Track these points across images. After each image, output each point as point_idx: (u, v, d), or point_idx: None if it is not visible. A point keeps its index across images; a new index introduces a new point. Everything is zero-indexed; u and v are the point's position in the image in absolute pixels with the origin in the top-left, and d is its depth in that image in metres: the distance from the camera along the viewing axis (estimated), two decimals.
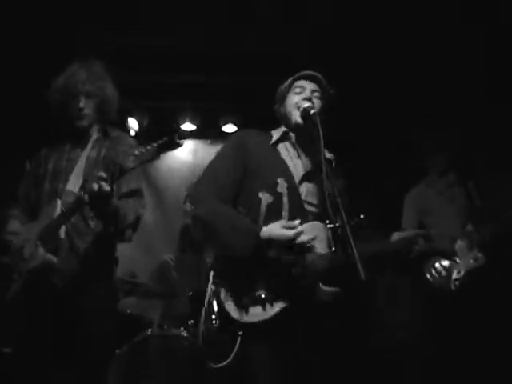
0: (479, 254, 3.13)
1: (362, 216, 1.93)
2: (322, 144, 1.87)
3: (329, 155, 2.11)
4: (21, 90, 3.89)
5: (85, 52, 2.43)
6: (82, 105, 2.29)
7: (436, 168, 3.58)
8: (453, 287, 3.11)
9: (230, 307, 1.83)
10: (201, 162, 5.25)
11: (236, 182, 1.99)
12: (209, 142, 5.37)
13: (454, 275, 3.13)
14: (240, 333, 1.79)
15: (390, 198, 3.76)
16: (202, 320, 1.93)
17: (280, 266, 1.82)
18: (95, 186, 1.91)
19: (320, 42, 3.93)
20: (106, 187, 1.91)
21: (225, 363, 1.78)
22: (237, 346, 1.77)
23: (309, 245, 1.82)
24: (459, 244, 3.20)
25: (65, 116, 2.34)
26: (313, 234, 1.88)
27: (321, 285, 1.85)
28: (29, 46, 3.72)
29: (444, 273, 3.17)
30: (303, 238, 1.81)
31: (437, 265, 3.21)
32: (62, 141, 2.38)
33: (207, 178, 2.00)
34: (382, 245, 1.99)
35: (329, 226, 1.80)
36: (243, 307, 1.82)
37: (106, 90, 2.37)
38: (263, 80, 3.91)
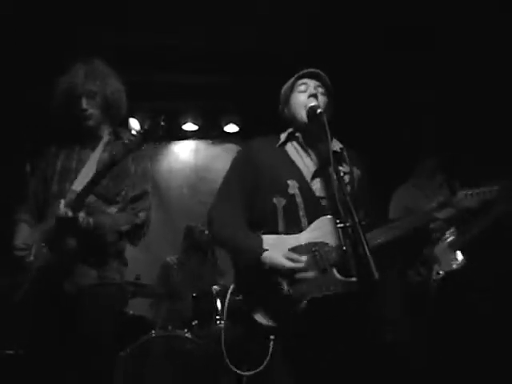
0: (460, 256, 3.13)
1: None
2: (329, 143, 1.87)
3: (338, 146, 2.10)
4: (21, 90, 3.89)
5: (85, 52, 2.42)
6: (84, 105, 2.26)
7: (425, 169, 3.60)
8: (432, 288, 3.11)
9: (256, 313, 1.84)
10: (202, 162, 5.28)
11: (250, 195, 2.04)
12: (210, 142, 5.38)
13: (433, 276, 3.13)
14: (272, 337, 1.80)
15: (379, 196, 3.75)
16: (224, 326, 1.96)
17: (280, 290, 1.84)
18: (61, 212, 2.02)
19: (320, 41, 3.93)
20: (64, 212, 2.02)
21: (257, 371, 1.78)
22: (270, 353, 1.77)
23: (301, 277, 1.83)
24: (440, 245, 3.19)
25: (70, 118, 2.32)
26: (322, 230, 1.90)
27: (337, 275, 1.85)
28: (29, 45, 3.71)
29: (424, 272, 3.17)
30: (302, 275, 1.83)
31: (418, 265, 3.21)
32: (72, 140, 2.36)
33: (222, 199, 2.08)
34: (400, 225, 1.98)
35: (339, 225, 1.79)
36: (267, 312, 1.83)
37: (108, 87, 2.33)
38: (265, 80, 3.92)
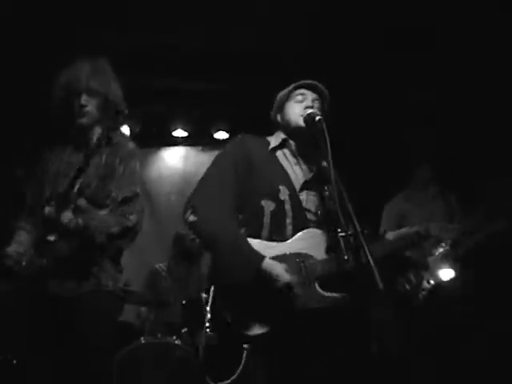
0: (450, 269, 3.13)
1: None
2: (329, 150, 1.84)
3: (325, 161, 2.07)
4: (21, 90, 3.89)
5: (85, 52, 2.40)
6: (83, 102, 2.20)
7: (419, 179, 3.59)
8: (420, 297, 3.11)
9: (231, 319, 1.78)
10: (192, 169, 5.26)
11: (239, 189, 1.96)
12: (200, 148, 5.38)
13: (423, 286, 3.13)
14: (246, 346, 1.75)
15: (372, 205, 3.74)
16: (204, 332, 1.88)
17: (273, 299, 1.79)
18: (46, 213, 2.00)
19: (320, 41, 3.93)
20: (53, 214, 2.01)
21: (229, 381, 1.75)
22: (243, 362, 1.73)
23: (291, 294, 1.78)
24: (433, 255, 3.19)
25: (67, 114, 2.26)
26: (308, 242, 1.89)
27: (319, 290, 1.84)
28: (29, 45, 3.72)
29: (414, 282, 3.18)
30: (295, 290, 1.78)
31: (408, 274, 3.21)
32: (64, 142, 2.32)
33: (212, 185, 1.95)
34: (384, 245, 1.97)
35: (341, 234, 1.75)
36: (245, 320, 1.77)
37: (109, 88, 2.28)
38: (256, 87, 3.92)
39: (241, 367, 1.73)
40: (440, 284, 3.11)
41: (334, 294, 1.83)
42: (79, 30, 3.70)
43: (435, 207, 3.50)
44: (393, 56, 3.95)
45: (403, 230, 2.05)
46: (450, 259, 3.14)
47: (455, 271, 3.12)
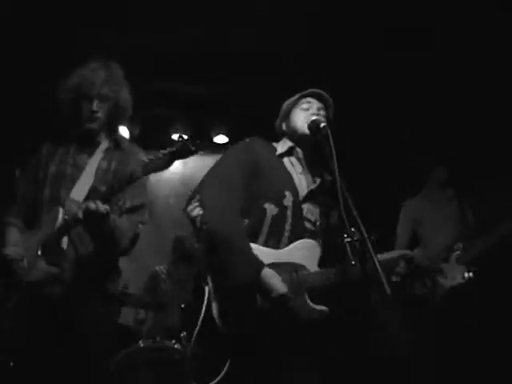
0: (465, 272, 3.12)
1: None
2: (334, 156, 1.83)
3: (317, 180, 2.10)
4: (20, 90, 3.89)
5: (85, 52, 2.38)
6: (95, 108, 2.17)
7: (434, 182, 3.58)
8: (436, 300, 3.11)
9: (221, 321, 1.76)
10: (191, 173, 5.23)
11: (244, 191, 1.94)
12: (200, 152, 5.37)
13: (438, 290, 3.13)
14: (232, 349, 1.74)
15: (386, 207, 3.74)
16: (195, 334, 1.84)
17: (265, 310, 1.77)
18: (92, 206, 1.87)
19: (320, 41, 3.93)
20: (102, 208, 1.88)
21: (213, 383, 1.71)
22: (227, 366, 1.71)
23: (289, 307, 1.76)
24: (447, 260, 3.18)
25: (74, 116, 2.22)
26: (302, 253, 1.89)
27: (309, 302, 1.83)
28: (29, 46, 3.71)
29: (429, 285, 3.17)
30: (292, 303, 1.77)
31: (423, 278, 3.20)
32: (66, 142, 2.27)
33: (219, 182, 1.93)
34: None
35: (347, 239, 1.74)
36: (233, 322, 1.75)
37: (121, 94, 2.25)
38: (256, 88, 3.91)
39: (224, 370, 1.71)
40: (454, 288, 3.10)
41: (323, 307, 1.83)
42: (79, 30, 3.70)
43: (449, 211, 3.50)
44: (393, 56, 3.95)
45: (392, 254, 2.04)
46: (463, 263, 3.14)
47: (469, 275, 3.11)
